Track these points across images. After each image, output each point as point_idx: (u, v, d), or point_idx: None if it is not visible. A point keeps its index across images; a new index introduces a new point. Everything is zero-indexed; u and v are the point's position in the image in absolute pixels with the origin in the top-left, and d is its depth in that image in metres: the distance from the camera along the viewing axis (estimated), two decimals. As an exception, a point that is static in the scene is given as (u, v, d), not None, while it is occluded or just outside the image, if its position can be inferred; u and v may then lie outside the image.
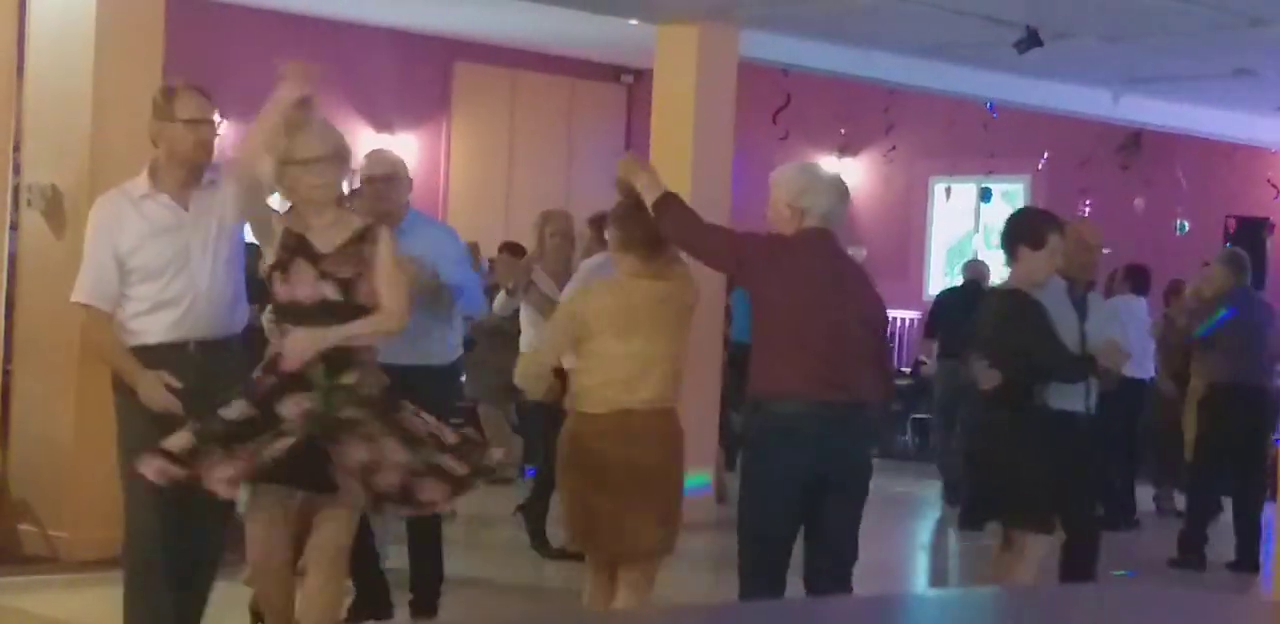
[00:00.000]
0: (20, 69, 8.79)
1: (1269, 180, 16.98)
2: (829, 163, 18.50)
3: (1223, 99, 14.45)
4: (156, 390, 5.75)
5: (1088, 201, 16.40)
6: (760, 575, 5.89)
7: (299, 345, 5.53)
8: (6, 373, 8.76)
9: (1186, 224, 16.62)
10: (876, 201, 18.08)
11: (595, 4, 11.68)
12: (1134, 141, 16.68)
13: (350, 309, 5.61)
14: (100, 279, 5.89)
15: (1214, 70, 12.95)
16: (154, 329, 5.86)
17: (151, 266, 5.85)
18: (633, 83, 18.76)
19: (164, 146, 5.91)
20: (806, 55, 12.70)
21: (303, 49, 16.58)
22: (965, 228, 18.31)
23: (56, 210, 8.66)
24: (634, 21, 12.00)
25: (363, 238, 5.69)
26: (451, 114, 18.11)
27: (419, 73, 17.64)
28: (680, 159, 11.25)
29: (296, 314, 5.61)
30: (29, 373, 8.80)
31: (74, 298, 5.94)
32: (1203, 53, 12.28)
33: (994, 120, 15.45)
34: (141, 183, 5.94)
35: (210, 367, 5.81)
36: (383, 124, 17.60)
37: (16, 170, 8.81)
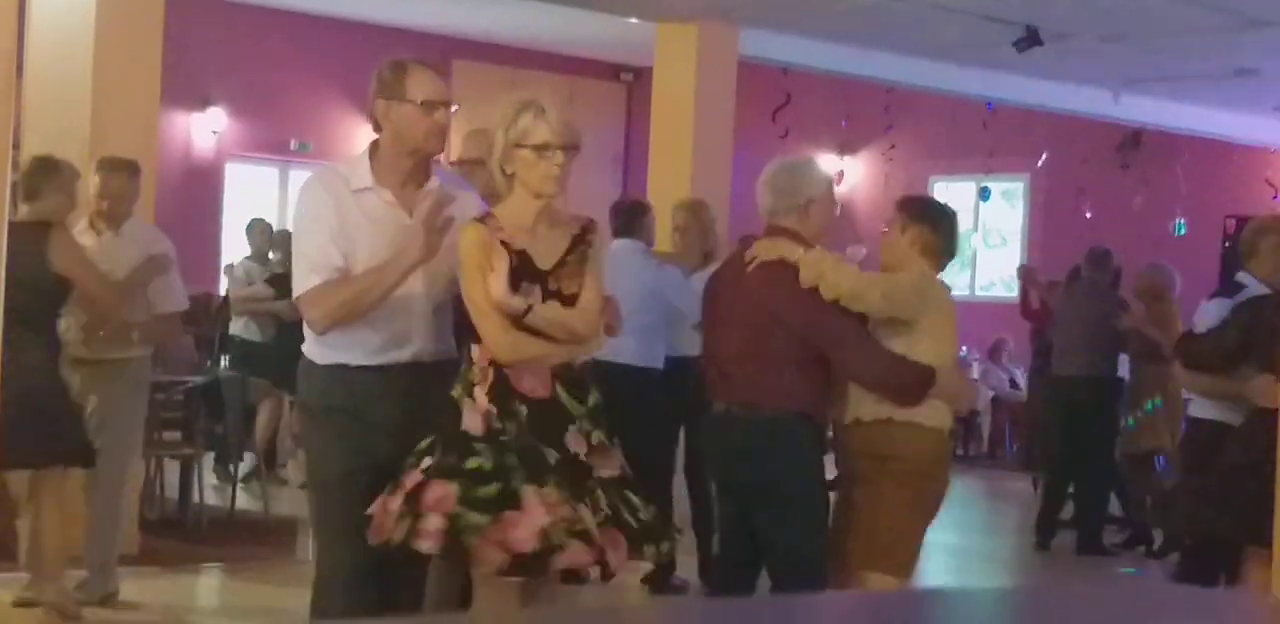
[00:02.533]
0: (20, 67, 8.77)
1: (1268, 180, 16.98)
2: (829, 161, 18.52)
3: (1222, 99, 14.45)
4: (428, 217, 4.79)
5: (1086, 201, 16.41)
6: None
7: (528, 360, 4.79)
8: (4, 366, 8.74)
9: (1185, 223, 16.63)
10: (876, 200, 18.08)
11: (595, 2, 11.69)
12: (1133, 141, 16.69)
13: None
14: (328, 263, 4.88)
15: (1213, 70, 12.95)
16: (357, 348, 4.93)
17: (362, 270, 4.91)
18: (632, 81, 18.77)
19: (389, 131, 4.98)
20: (806, 54, 12.70)
21: (301, 47, 16.61)
22: (964, 226, 18.31)
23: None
24: (634, 20, 12.00)
25: (581, 240, 4.98)
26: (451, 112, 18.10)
27: (418, 70, 17.63)
28: (680, 157, 11.26)
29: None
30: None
31: (303, 288, 4.90)
32: (1202, 52, 12.29)
33: (993, 119, 15.45)
34: (361, 172, 4.98)
35: (419, 394, 4.89)
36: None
37: (15, 168, 8.79)
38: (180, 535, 9.27)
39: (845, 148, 18.24)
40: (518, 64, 17.68)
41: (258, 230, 12.53)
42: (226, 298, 12.65)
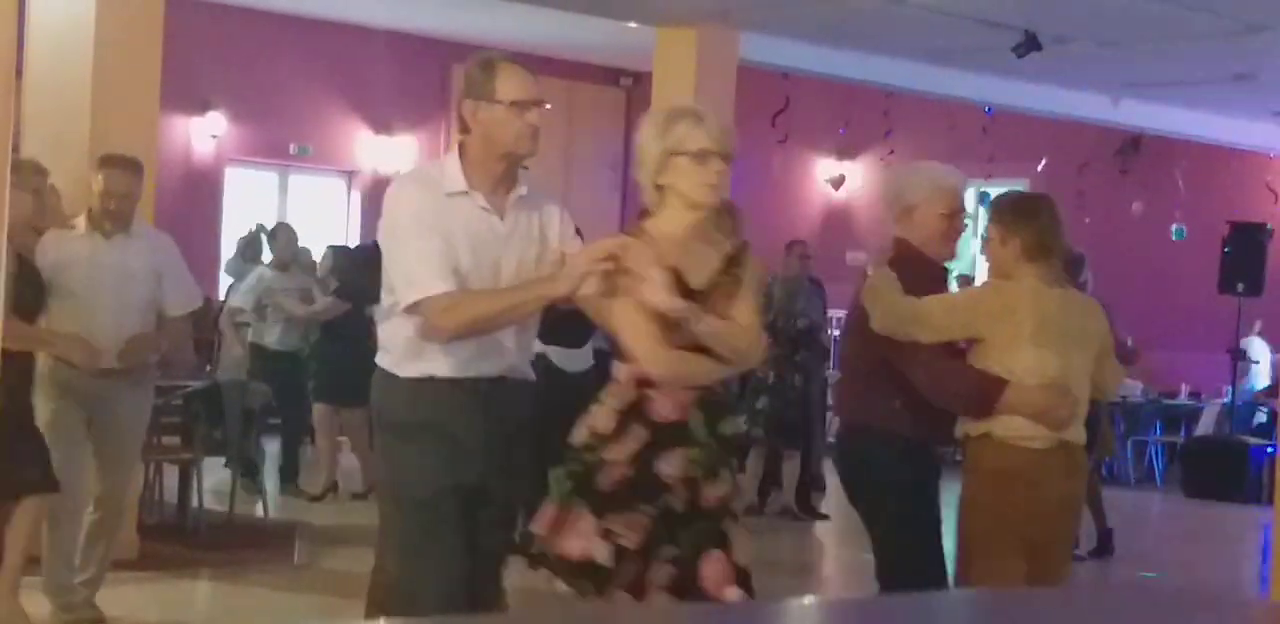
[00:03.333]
0: (19, 71, 8.77)
1: (1267, 185, 16.99)
2: (827, 166, 18.53)
3: (1221, 104, 14.46)
4: (593, 253, 4.50)
5: (1086, 206, 16.42)
6: None
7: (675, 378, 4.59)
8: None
9: (1184, 228, 16.64)
10: (875, 205, 18.07)
11: (594, 7, 11.69)
12: (1133, 146, 16.70)
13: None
14: (445, 266, 4.57)
15: (1213, 75, 12.96)
16: (444, 359, 4.63)
17: (458, 279, 4.62)
18: (631, 85, 18.78)
19: (479, 132, 4.71)
20: (805, 58, 12.71)
21: (301, 51, 16.62)
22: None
23: (55, 211, 8.65)
24: (633, 24, 12.01)
25: (735, 260, 4.72)
26: (450, 116, 18.11)
27: (417, 75, 17.64)
28: (679, 162, 11.25)
29: None
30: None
31: (418, 295, 4.57)
32: (1201, 58, 12.30)
33: (993, 124, 15.46)
34: (453, 175, 4.70)
35: (500, 410, 4.68)
36: (381, 125, 17.61)
37: (15, 171, 8.78)
38: (179, 540, 9.26)
39: (844, 153, 18.24)
40: (517, 68, 17.67)
41: (283, 238, 12.09)
42: (224, 303, 12.61)
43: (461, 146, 4.75)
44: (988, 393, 5.36)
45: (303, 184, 17.73)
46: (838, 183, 18.47)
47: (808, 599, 3.62)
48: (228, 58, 16.04)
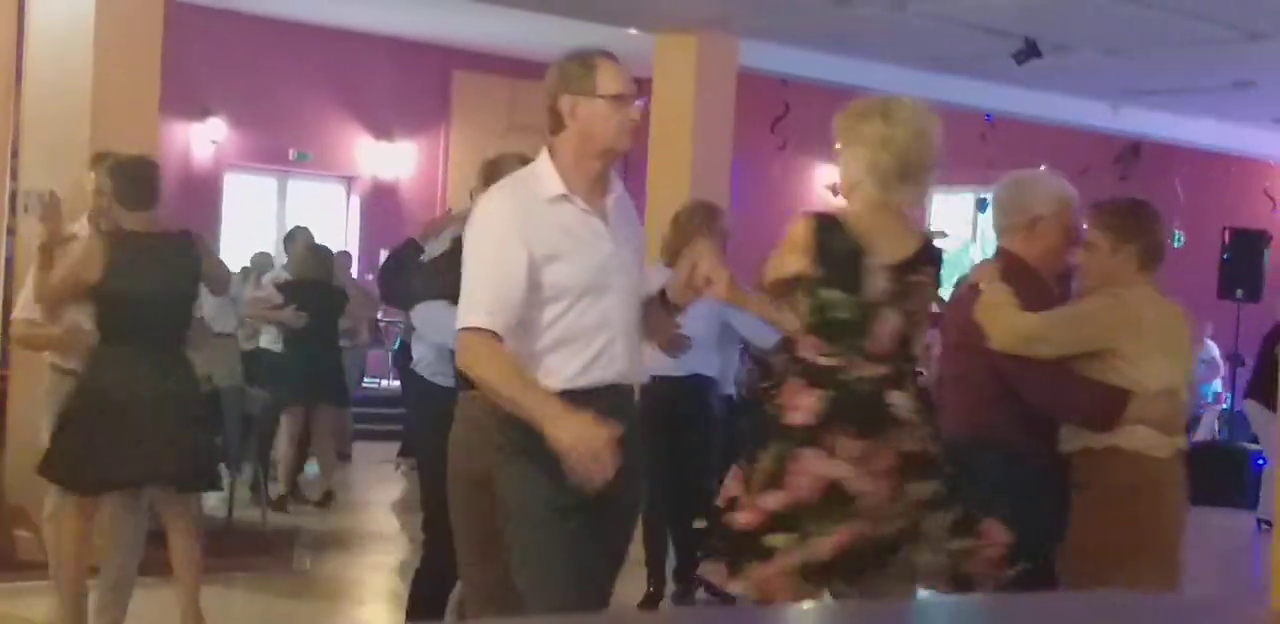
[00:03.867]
0: (19, 75, 8.80)
1: (1266, 192, 17.00)
2: (827, 172, 18.53)
3: (1221, 111, 14.47)
4: (592, 439, 4.25)
5: (1085, 212, 16.42)
6: None
7: None
8: (3, 378, 8.76)
9: (1183, 235, 16.64)
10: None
11: (593, 14, 11.69)
12: (1132, 153, 16.71)
13: (912, 359, 4.60)
14: (505, 297, 4.40)
15: (1212, 83, 12.97)
16: (558, 369, 4.48)
17: (567, 285, 4.45)
18: (631, 91, 18.78)
19: (576, 130, 4.53)
20: (805, 65, 12.72)
21: (301, 57, 16.62)
22: (963, 237, 18.33)
23: (54, 216, 8.65)
24: (633, 31, 12.01)
25: (926, 253, 4.70)
26: (450, 122, 18.13)
27: (418, 81, 17.66)
28: (678, 169, 11.27)
29: (870, 358, 4.56)
30: (26, 379, 8.79)
31: (466, 322, 4.44)
32: (1201, 65, 12.30)
33: (992, 131, 15.46)
34: (549, 179, 4.52)
35: (616, 415, 4.44)
36: (382, 131, 17.62)
37: (14, 176, 8.82)
38: (177, 545, 9.24)
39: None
40: (516, 75, 17.68)
41: (302, 242, 11.99)
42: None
43: (552, 148, 4.57)
44: (1113, 405, 5.26)
45: (302, 190, 17.74)
46: (837, 189, 18.45)
47: (807, 604, 3.61)
48: (227, 63, 16.05)
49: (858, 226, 4.70)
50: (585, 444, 4.22)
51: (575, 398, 4.39)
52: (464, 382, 5.25)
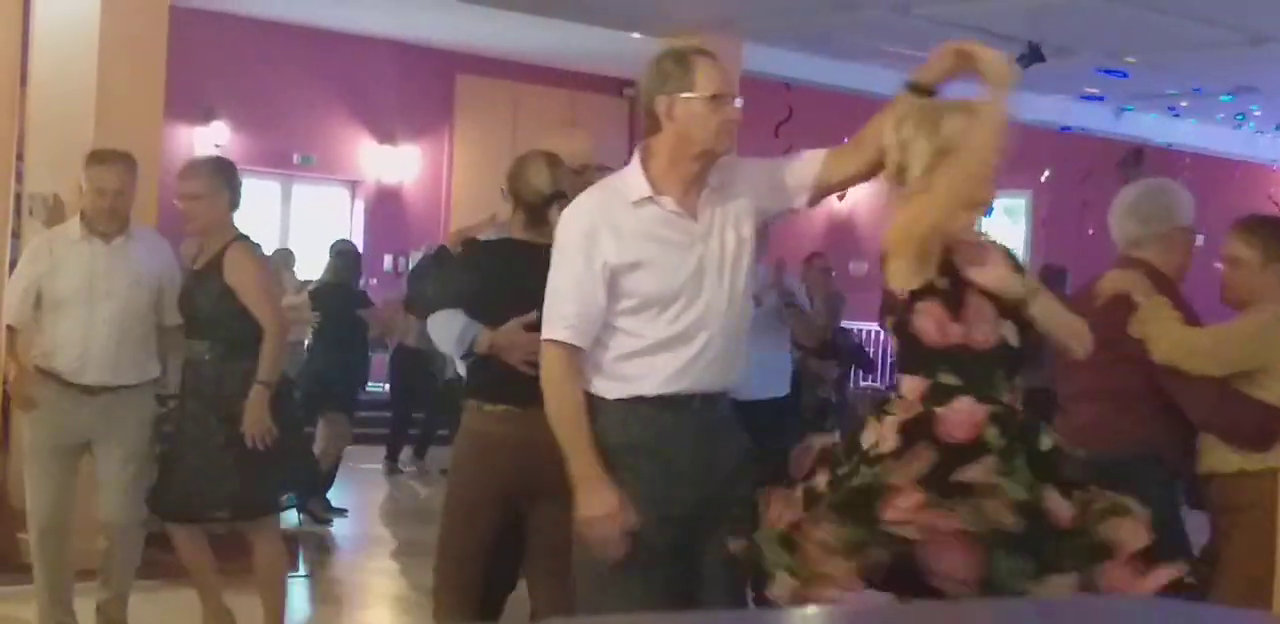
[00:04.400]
0: (24, 78, 8.81)
1: (1269, 196, 17.00)
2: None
3: (1224, 116, 14.48)
4: (610, 523, 4.18)
5: (1089, 217, 16.42)
6: None
7: None
8: (7, 381, 8.75)
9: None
10: (877, 216, 18.10)
11: (598, 17, 11.71)
12: (1135, 157, 16.71)
13: (1021, 359, 4.15)
14: (585, 310, 4.28)
15: (1215, 87, 12.97)
16: (650, 376, 4.29)
17: (653, 292, 4.29)
18: (635, 96, 18.75)
19: (673, 130, 4.37)
20: (809, 69, 12.73)
21: (304, 60, 16.64)
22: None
23: (58, 219, 8.65)
24: (636, 35, 12.02)
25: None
26: (454, 126, 18.13)
27: (422, 85, 17.67)
28: (682, 172, 11.27)
29: (958, 363, 4.07)
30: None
31: (547, 334, 4.32)
32: (1204, 69, 12.31)
33: (996, 135, 15.46)
34: (636, 182, 4.37)
35: (712, 428, 4.35)
36: (386, 135, 17.63)
37: (19, 179, 8.83)
38: (181, 548, 9.24)
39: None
40: (521, 79, 17.70)
41: (339, 252, 11.87)
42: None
43: (644, 150, 4.42)
44: (1271, 424, 5.17)
45: (306, 193, 17.75)
46: (841, 195, 18.47)
47: (811, 609, 3.60)
48: (231, 67, 16.06)
49: None
50: (602, 525, 4.16)
51: (661, 407, 4.28)
52: (470, 392, 5.25)
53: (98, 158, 6.66)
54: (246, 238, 6.56)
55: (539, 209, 5.33)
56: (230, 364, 6.34)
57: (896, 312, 4.18)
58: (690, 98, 4.35)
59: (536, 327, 4.51)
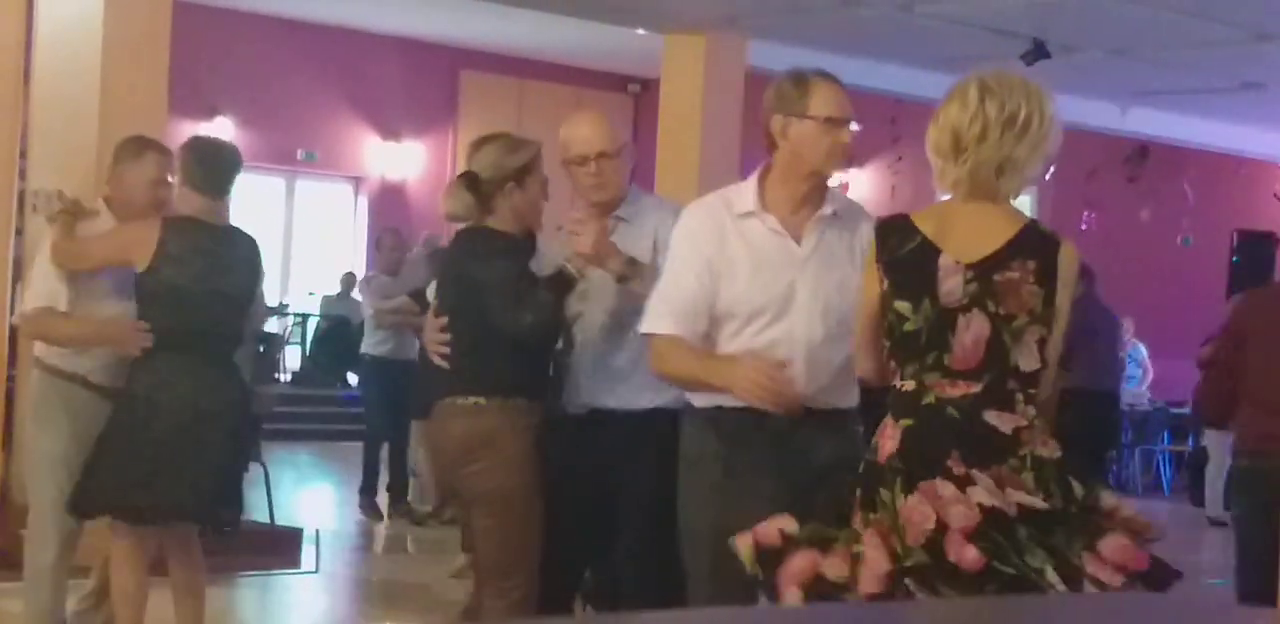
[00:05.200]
0: (27, 74, 8.80)
1: (1275, 194, 16.99)
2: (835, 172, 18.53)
3: (1229, 112, 14.45)
4: (757, 373, 4.16)
5: (1093, 214, 16.41)
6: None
7: None
8: (10, 379, 8.75)
9: (1191, 237, 16.64)
10: (883, 211, 18.08)
11: (603, 14, 11.70)
12: (1141, 154, 16.70)
13: (1017, 373, 3.90)
14: (687, 301, 4.35)
15: (1221, 84, 12.96)
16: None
17: (737, 305, 4.35)
18: (640, 92, 18.78)
19: (786, 149, 4.44)
20: (814, 65, 12.70)
21: (308, 57, 16.63)
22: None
23: (80, 214, 8.66)
24: (641, 31, 12.01)
25: (1022, 245, 3.94)
26: (459, 122, 18.13)
27: (426, 81, 17.67)
28: (687, 168, 11.27)
29: (954, 376, 3.88)
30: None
31: (649, 328, 4.42)
32: (1210, 66, 12.29)
33: (1000, 132, 15.46)
34: (747, 195, 4.44)
35: (801, 445, 4.32)
36: (390, 131, 17.63)
37: (22, 176, 8.82)
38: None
39: (852, 159, 18.24)
40: (525, 75, 17.70)
41: (388, 245, 11.40)
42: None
43: (765, 166, 4.49)
44: None
45: (310, 190, 17.75)
46: (843, 189, 18.49)
47: (810, 607, 3.59)
48: (235, 63, 16.06)
49: (929, 223, 3.97)
50: (754, 383, 4.14)
51: (738, 417, 4.29)
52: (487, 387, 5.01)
53: (151, 146, 6.27)
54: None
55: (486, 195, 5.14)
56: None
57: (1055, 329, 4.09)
58: (804, 119, 4.42)
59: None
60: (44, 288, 5.98)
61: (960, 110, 4.04)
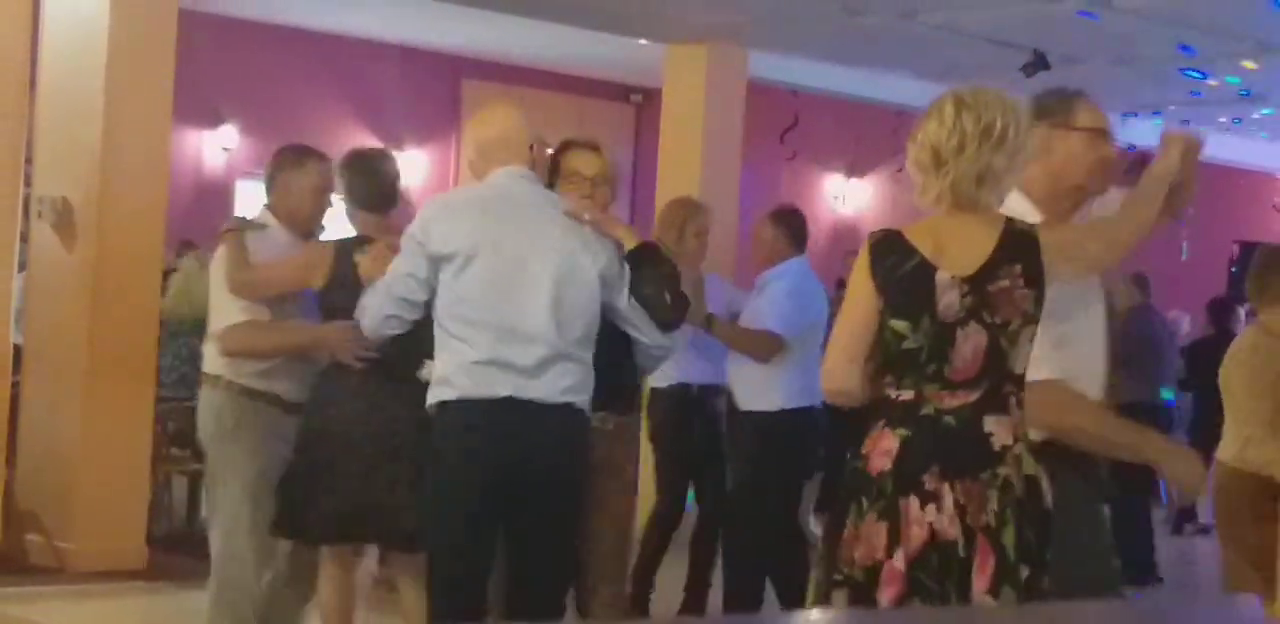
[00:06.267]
0: (32, 81, 8.84)
1: (1275, 205, 17.03)
2: (836, 183, 18.56)
3: (1229, 124, 14.49)
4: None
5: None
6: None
7: None
8: (15, 384, 8.79)
9: (1191, 248, 16.66)
10: (883, 223, 18.12)
11: (604, 23, 11.73)
12: (1140, 165, 16.72)
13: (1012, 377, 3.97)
14: None
15: (1220, 95, 12.99)
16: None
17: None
18: (641, 102, 18.81)
19: (1047, 164, 4.31)
20: (815, 76, 12.75)
21: (313, 65, 16.68)
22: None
23: (66, 222, 8.70)
24: (643, 41, 12.05)
25: (1006, 252, 3.98)
26: (461, 131, 18.17)
27: (428, 89, 17.70)
28: (688, 178, 11.30)
29: (953, 387, 3.93)
30: (37, 384, 8.83)
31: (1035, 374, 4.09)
32: (1209, 78, 12.32)
33: (1001, 143, 15.50)
34: (1023, 208, 4.25)
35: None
36: (392, 140, 17.66)
37: (27, 182, 8.86)
38: (188, 550, 9.26)
39: (853, 170, 18.27)
40: (527, 84, 17.72)
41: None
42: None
43: (1030, 181, 4.28)
44: None
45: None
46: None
47: (815, 613, 3.62)
48: (240, 71, 16.09)
49: (926, 240, 3.98)
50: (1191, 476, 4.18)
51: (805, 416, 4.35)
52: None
53: (296, 156, 6.26)
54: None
55: None
56: None
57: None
58: (1069, 131, 4.35)
59: None
60: (236, 305, 5.77)
61: (938, 126, 4.02)
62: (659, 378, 7.55)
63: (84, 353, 8.54)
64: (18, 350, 8.92)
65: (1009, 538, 3.83)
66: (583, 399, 5.06)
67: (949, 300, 3.90)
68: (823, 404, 7.03)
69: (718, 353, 7.46)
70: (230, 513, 5.79)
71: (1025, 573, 3.83)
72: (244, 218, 6.15)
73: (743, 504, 7.34)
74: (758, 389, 7.27)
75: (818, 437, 7.35)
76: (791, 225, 7.61)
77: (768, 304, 7.30)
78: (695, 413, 7.78)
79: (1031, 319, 3.95)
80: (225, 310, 5.80)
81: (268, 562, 5.80)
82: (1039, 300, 3.96)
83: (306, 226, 6.07)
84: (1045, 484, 3.91)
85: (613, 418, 5.38)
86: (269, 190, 6.14)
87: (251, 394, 5.80)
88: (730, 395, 7.53)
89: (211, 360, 5.89)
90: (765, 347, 7.17)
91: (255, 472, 5.73)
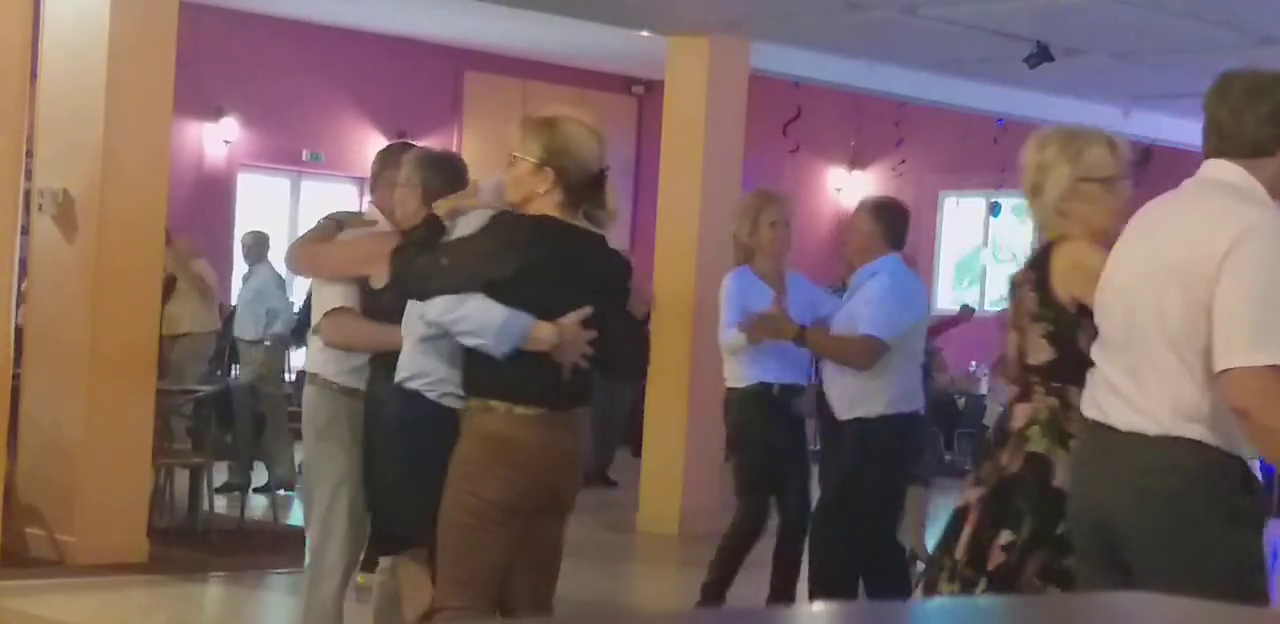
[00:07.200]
0: (33, 74, 8.83)
1: (1278, 197, 16.99)
2: (839, 175, 18.54)
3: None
4: None
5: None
6: None
7: None
8: (16, 377, 8.78)
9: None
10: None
11: (607, 15, 11.71)
12: (1144, 157, 16.70)
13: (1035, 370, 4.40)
14: None
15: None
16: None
17: None
18: (643, 94, 18.80)
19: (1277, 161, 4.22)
20: (817, 67, 12.72)
21: (314, 57, 16.66)
22: (974, 242, 18.32)
23: (67, 215, 8.69)
24: (645, 33, 12.02)
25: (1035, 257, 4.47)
26: (463, 123, 18.15)
27: (431, 81, 17.69)
28: (690, 170, 11.28)
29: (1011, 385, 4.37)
30: (39, 377, 8.82)
31: (1268, 360, 3.86)
32: (1213, 70, 12.27)
33: (1004, 134, 15.46)
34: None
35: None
36: (394, 132, 17.65)
37: (28, 175, 8.85)
38: (189, 544, 9.28)
39: (855, 162, 18.26)
40: (529, 76, 17.71)
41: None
42: (235, 308, 12.68)
43: (1270, 178, 4.18)
44: None
45: (315, 190, 17.77)
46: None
47: (812, 608, 3.62)
48: (241, 64, 16.09)
49: None
50: None
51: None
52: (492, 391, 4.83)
53: (395, 154, 6.03)
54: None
55: (583, 188, 4.84)
56: None
57: (1060, 323, 4.37)
58: None
59: (593, 323, 4.63)
60: (330, 291, 5.76)
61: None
62: (736, 377, 7.26)
63: (85, 346, 8.53)
64: (19, 345, 8.91)
65: (995, 507, 4.33)
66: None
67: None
68: (926, 410, 6.82)
69: (796, 350, 7.07)
70: (323, 508, 5.83)
71: (1005, 538, 4.23)
72: (350, 212, 6.19)
73: (837, 515, 6.87)
74: (857, 396, 6.81)
75: (922, 443, 7.06)
76: (893, 221, 7.08)
77: (864, 305, 6.78)
78: (778, 415, 7.35)
79: (1039, 317, 4.46)
80: (322, 299, 5.77)
81: (357, 558, 5.92)
82: (1044, 301, 4.49)
83: (411, 223, 5.62)
84: (1055, 463, 4.26)
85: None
86: (372, 188, 6.12)
87: (343, 392, 5.79)
88: (819, 398, 7.15)
89: (311, 358, 5.95)
90: (866, 354, 6.70)
91: (342, 471, 5.76)
